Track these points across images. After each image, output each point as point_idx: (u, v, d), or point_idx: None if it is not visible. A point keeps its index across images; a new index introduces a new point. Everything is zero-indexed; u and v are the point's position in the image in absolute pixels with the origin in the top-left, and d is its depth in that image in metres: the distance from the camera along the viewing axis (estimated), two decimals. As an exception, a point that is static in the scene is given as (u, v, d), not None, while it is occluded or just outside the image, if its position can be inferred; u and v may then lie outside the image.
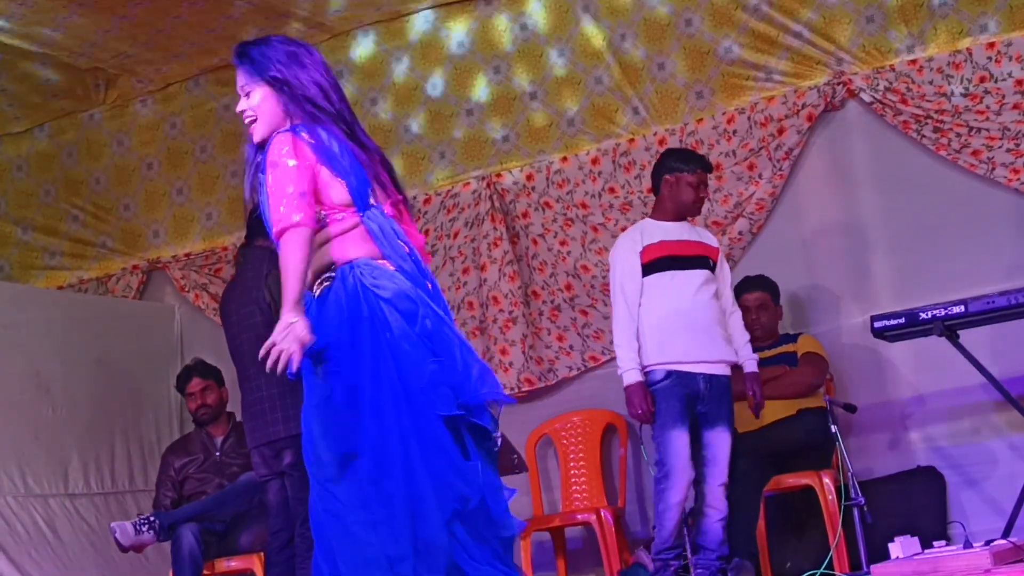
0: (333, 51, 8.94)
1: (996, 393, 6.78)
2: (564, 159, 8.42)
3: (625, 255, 6.92)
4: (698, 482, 6.76)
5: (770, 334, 7.65)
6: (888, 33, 7.79)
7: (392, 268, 4.48)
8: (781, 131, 7.90)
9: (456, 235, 8.62)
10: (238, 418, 8.06)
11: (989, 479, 7.37)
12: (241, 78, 4.68)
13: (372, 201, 4.57)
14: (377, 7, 8.64)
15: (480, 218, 8.52)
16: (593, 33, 8.42)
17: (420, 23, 8.84)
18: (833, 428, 6.83)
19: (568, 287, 8.32)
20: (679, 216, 7.00)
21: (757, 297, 7.67)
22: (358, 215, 4.52)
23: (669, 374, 6.74)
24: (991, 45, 7.55)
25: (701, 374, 6.76)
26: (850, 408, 7.12)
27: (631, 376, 6.76)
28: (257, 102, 4.64)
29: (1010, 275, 7.19)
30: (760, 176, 7.97)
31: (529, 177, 8.52)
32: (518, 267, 8.38)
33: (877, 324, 6.88)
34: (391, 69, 8.92)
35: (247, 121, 4.66)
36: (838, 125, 7.94)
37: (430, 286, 4.56)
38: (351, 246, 4.49)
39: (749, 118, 8.02)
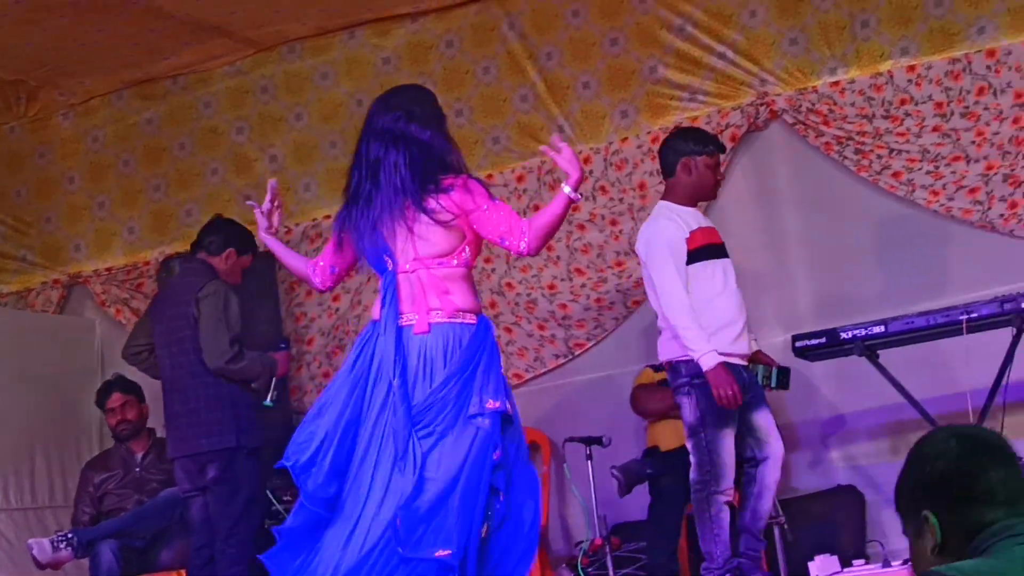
0: (257, 66, 8.92)
1: (915, 413, 6.84)
2: (489, 176, 8.42)
3: (675, 237, 6.46)
4: (753, 465, 6.44)
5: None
6: (811, 55, 7.86)
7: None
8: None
9: (381, 251, 8.59)
10: (159, 434, 8.02)
11: (908, 498, 7.41)
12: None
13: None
14: (303, 22, 8.62)
15: (405, 235, 8.49)
16: (519, 51, 8.43)
17: (347, 40, 8.82)
18: (754, 447, 6.87)
19: (492, 304, 8.32)
20: (695, 200, 6.68)
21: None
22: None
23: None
24: (912, 68, 7.63)
25: (742, 365, 6.46)
26: (771, 427, 7.16)
27: (711, 359, 6.24)
28: None
29: (929, 296, 7.26)
30: (686, 195, 8.00)
31: (454, 194, 8.51)
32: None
33: (799, 343, 6.93)
34: (317, 85, 8.89)
35: None
36: (761, 146, 8.00)
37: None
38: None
39: (673, 138, 8.05)
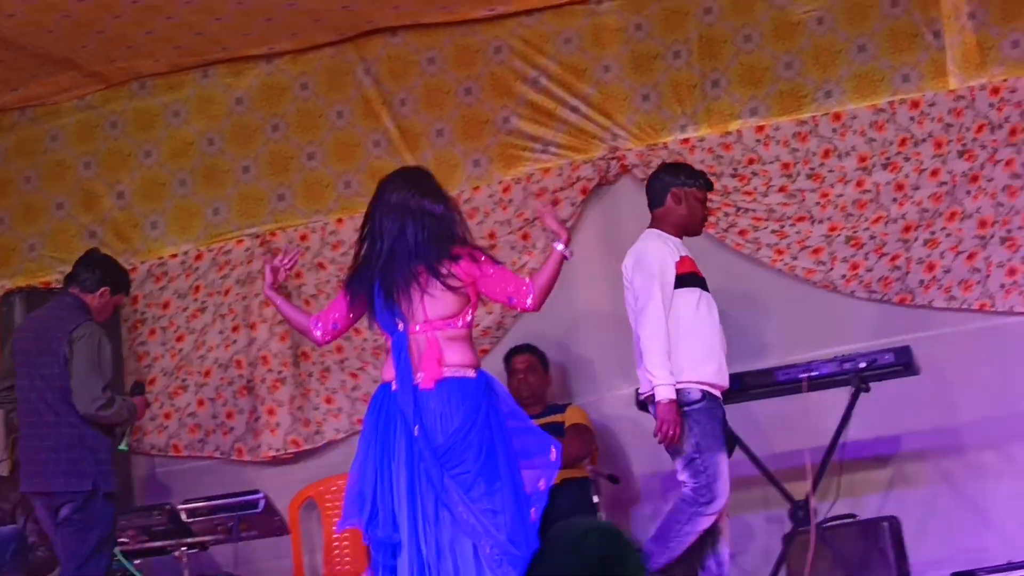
0: (107, 101, 8.80)
1: (754, 468, 6.92)
2: (339, 220, 8.40)
3: (664, 260, 6.36)
4: None
5: (538, 399, 7.71)
6: (662, 112, 7.96)
7: None
8: (555, 202, 7.98)
9: (228, 292, 8.52)
10: (-7, 471, 7.88)
11: (746, 552, 7.49)
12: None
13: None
14: (155, 59, 8.53)
15: (252, 276, 8.43)
16: (373, 96, 8.43)
17: (200, 78, 8.73)
18: (596, 498, 6.92)
19: (339, 349, 8.27)
20: (682, 233, 6.55)
21: (526, 359, 7.75)
22: None
23: (705, 395, 6.24)
24: (760, 128, 7.77)
25: (721, 398, 6.38)
26: (613, 479, 7.21)
27: (667, 392, 6.15)
28: None
29: (772, 353, 7.39)
30: (534, 246, 8.05)
31: (303, 237, 8.48)
32: (289, 327, 8.30)
33: (642, 396, 6.98)
34: (168, 122, 8.79)
35: None
36: (611, 199, 8.06)
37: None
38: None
39: (525, 188, 8.10)
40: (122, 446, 6.98)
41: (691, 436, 6.19)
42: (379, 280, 5.59)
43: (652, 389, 6.21)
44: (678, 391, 6.16)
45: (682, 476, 6.24)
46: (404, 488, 5.46)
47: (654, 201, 6.61)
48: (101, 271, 7.05)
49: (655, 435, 6.20)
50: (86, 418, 6.74)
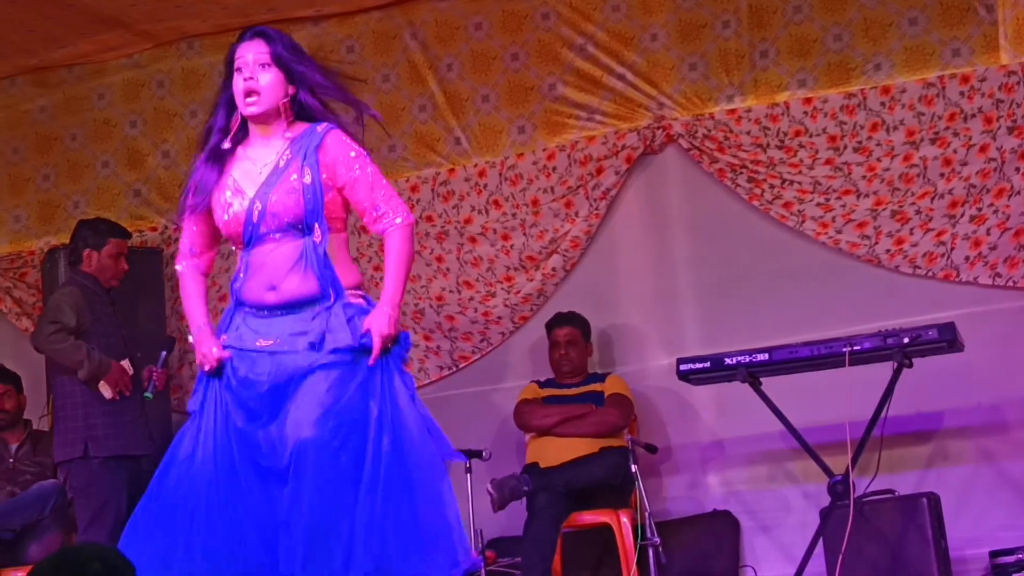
0: (155, 60, 8.83)
1: (794, 441, 6.89)
2: (384, 185, 8.39)
3: None
4: None
5: (579, 371, 7.72)
6: (709, 81, 7.92)
7: None
8: (600, 171, 7.97)
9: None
10: (35, 425, 7.93)
11: (782, 526, 7.49)
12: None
13: None
14: (203, 19, 8.53)
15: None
16: (419, 60, 8.42)
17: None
18: (633, 468, 6.91)
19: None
20: None
21: (568, 332, 7.73)
22: None
23: None
24: (808, 100, 7.71)
25: None
26: (651, 449, 7.20)
27: None
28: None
29: (814, 326, 7.32)
30: (577, 214, 8.03)
31: (347, 201, 8.47)
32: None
33: (683, 367, 6.97)
34: (214, 83, 8.75)
35: None
36: (656, 169, 8.04)
37: None
38: None
39: (569, 156, 8.08)
40: (147, 394, 7.08)
41: None
42: None
43: None
44: None
45: None
46: None
47: None
48: (74, 240, 7.38)
49: None
50: (38, 350, 7.24)
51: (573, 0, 8.17)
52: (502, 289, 8.14)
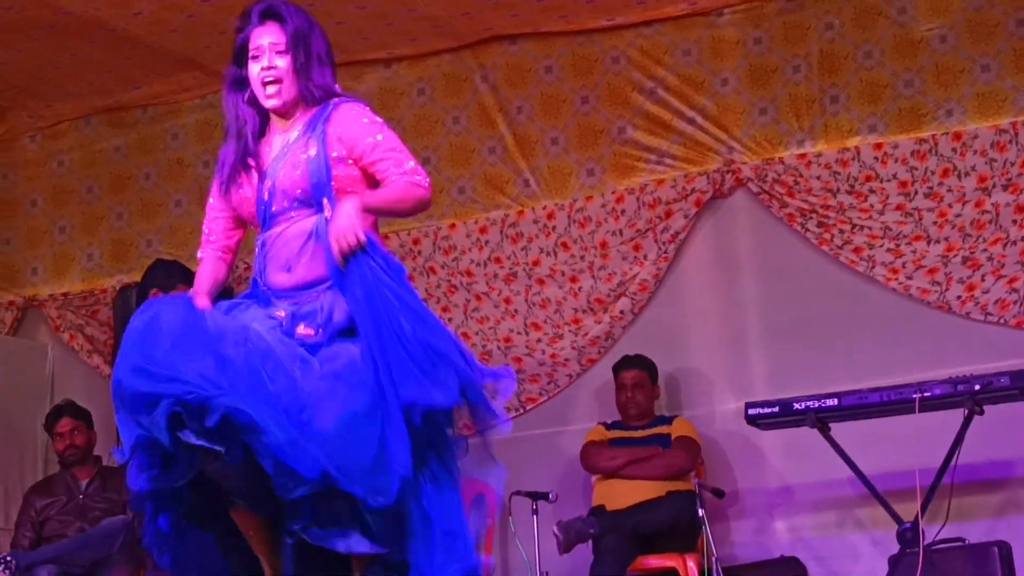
0: (229, 101, 8.91)
1: (862, 488, 6.85)
2: (452, 226, 8.43)
3: None
4: None
5: (646, 413, 7.70)
6: (780, 126, 7.91)
7: None
8: (669, 214, 7.98)
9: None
10: (105, 462, 7.98)
11: (850, 573, 7.44)
12: None
13: None
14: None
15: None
16: (489, 103, 8.45)
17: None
18: (700, 512, 6.89)
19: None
20: None
21: (635, 375, 7.72)
22: None
23: None
24: (878, 146, 7.69)
25: None
26: (718, 493, 7.18)
27: None
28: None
29: (884, 372, 7.27)
30: (645, 257, 8.03)
31: (416, 241, 8.52)
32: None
33: (751, 411, 6.95)
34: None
35: None
36: (725, 212, 8.03)
37: None
38: None
39: (638, 199, 8.09)
40: None
41: None
42: None
43: None
44: None
45: None
46: None
47: None
48: (145, 279, 7.40)
49: None
50: None
51: (643, 44, 8.20)
52: (570, 331, 8.15)
